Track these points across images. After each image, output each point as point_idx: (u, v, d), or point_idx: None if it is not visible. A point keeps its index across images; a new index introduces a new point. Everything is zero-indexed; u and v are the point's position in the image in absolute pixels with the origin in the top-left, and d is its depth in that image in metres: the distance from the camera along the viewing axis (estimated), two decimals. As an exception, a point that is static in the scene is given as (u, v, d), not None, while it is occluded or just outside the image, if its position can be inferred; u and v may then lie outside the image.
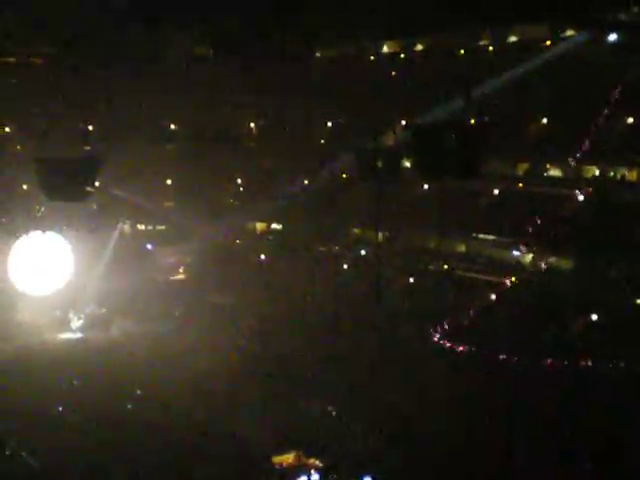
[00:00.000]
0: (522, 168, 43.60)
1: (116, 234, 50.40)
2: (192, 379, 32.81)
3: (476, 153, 18.12)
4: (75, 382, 33.15)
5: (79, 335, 43.45)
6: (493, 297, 40.08)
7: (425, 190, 45.51)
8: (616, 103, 39.01)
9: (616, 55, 38.72)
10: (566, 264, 39.77)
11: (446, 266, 43.13)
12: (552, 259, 40.36)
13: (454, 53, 45.62)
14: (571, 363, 32.69)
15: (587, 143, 39.19)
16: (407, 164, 35.58)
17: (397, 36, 47.97)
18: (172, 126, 53.38)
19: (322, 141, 51.34)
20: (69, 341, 42.44)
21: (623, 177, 39.89)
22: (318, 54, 50.43)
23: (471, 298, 40.56)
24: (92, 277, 47.26)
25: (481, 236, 42.75)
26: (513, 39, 44.15)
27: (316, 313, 41.40)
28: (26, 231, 44.03)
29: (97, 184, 25.46)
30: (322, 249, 47.94)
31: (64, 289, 45.94)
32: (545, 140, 41.39)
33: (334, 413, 29.35)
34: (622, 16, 38.60)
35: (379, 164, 27.59)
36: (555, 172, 42.35)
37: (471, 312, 39.68)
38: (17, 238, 44.27)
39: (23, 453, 26.52)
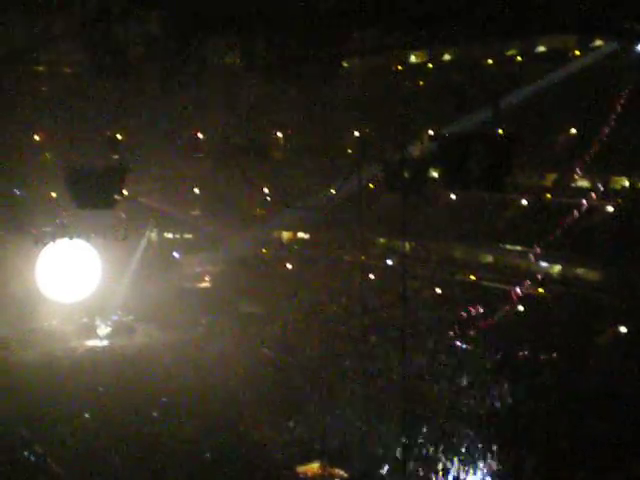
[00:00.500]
0: (550, 179, 43.40)
1: (143, 242, 50.63)
2: (217, 387, 32.82)
3: (503, 164, 18.08)
4: (101, 389, 33.20)
5: (105, 342, 43.63)
6: (521, 308, 39.90)
7: (452, 200, 45.44)
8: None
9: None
10: (594, 275, 39.54)
11: (473, 277, 43.03)
12: (580, 270, 40.15)
13: (482, 63, 45.53)
14: (601, 375, 32.38)
15: (616, 154, 38.96)
16: (434, 174, 35.52)
17: (424, 46, 47.90)
18: (200, 136, 53.54)
19: (349, 151, 51.32)
20: (95, 348, 42.60)
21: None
22: (345, 64, 50.45)
23: (498, 309, 40.44)
24: (119, 285, 47.53)
25: (508, 247, 42.60)
26: (541, 49, 43.99)
27: (342, 323, 41.35)
28: (54, 239, 44.35)
29: (125, 193, 25.61)
30: (349, 259, 47.90)
31: (91, 296, 46.27)
32: (573, 151, 41.19)
33: (359, 424, 29.23)
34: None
35: (406, 174, 27.58)
36: (583, 183, 42.10)
37: (497, 322, 39.57)
38: (45, 245, 44.61)
39: (48, 459, 26.61)
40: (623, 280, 36.84)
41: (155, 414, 30.59)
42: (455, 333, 39.54)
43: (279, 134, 55.03)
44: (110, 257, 46.93)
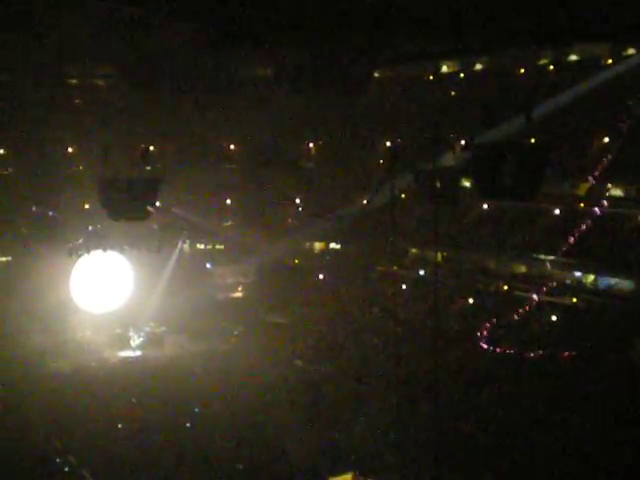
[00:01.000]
0: (583, 188, 43.10)
1: (176, 253, 50.83)
2: (249, 398, 32.85)
3: (536, 173, 17.99)
4: (134, 399, 33.33)
5: (138, 353, 43.78)
6: (554, 318, 39.66)
7: (484, 210, 45.29)
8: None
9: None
10: (628, 285, 39.22)
11: (506, 287, 42.83)
12: (613, 280, 39.85)
13: (514, 72, 45.42)
14: (636, 386, 32.07)
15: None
16: (466, 184, 35.38)
17: (456, 56, 47.88)
18: (232, 146, 53.76)
19: (381, 161, 51.33)
20: (128, 359, 42.76)
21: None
22: (377, 74, 50.44)
23: (531, 318, 40.24)
24: (152, 295, 47.72)
25: (541, 256, 42.35)
26: (574, 58, 43.80)
27: (374, 333, 41.27)
28: (88, 250, 44.70)
29: (158, 204, 25.74)
30: (380, 269, 47.85)
31: (124, 307, 46.50)
32: (606, 159, 40.91)
33: (392, 433, 29.12)
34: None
35: (438, 184, 27.47)
36: (616, 192, 41.81)
37: (532, 332, 39.36)
38: (79, 257, 44.96)
39: (82, 470, 26.73)
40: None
41: (187, 424, 30.66)
42: (487, 343, 39.40)
43: (311, 145, 55.13)
44: (143, 268, 47.18)
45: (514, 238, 43.00)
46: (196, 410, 32.12)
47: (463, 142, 41.25)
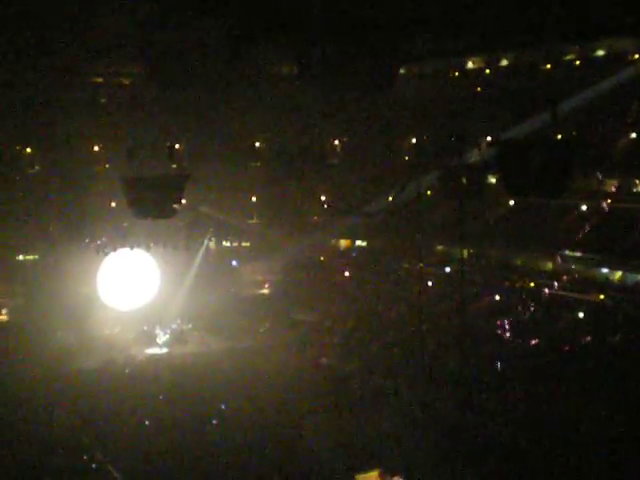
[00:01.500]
0: (610, 184, 42.84)
1: (202, 251, 50.95)
2: (275, 395, 32.85)
3: (563, 170, 17.88)
4: (160, 396, 33.44)
5: (165, 350, 43.94)
6: (581, 315, 39.43)
7: (511, 206, 45.12)
8: None
9: None
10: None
11: (533, 284, 42.65)
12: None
13: (540, 68, 45.16)
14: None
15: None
16: (492, 180, 35.31)
17: (482, 52, 47.65)
18: (257, 144, 53.81)
19: (406, 158, 51.24)
20: (155, 356, 42.91)
21: None
22: (402, 71, 50.33)
23: (558, 316, 40.03)
24: (178, 293, 47.89)
25: (568, 253, 42.12)
26: (600, 53, 43.50)
27: (400, 330, 41.20)
28: (114, 248, 44.95)
29: (183, 202, 25.79)
30: (406, 266, 47.75)
31: (151, 305, 46.70)
32: (634, 155, 40.63)
33: (418, 431, 29.06)
34: None
35: (464, 181, 27.41)
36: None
37: (558, 330, 39.16)
38: (106, 255, 45.21)
39: (109, 466, 26.85)
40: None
41: (214, 421, 30.73)
42: (514, 339, 39.28)
43: (336, 142, 55.09)
44: (169, 266, 47.38)
45: (541, 234, 42.80)
46: (222, 407, 32.18)
47: (489, 138, 41.15)
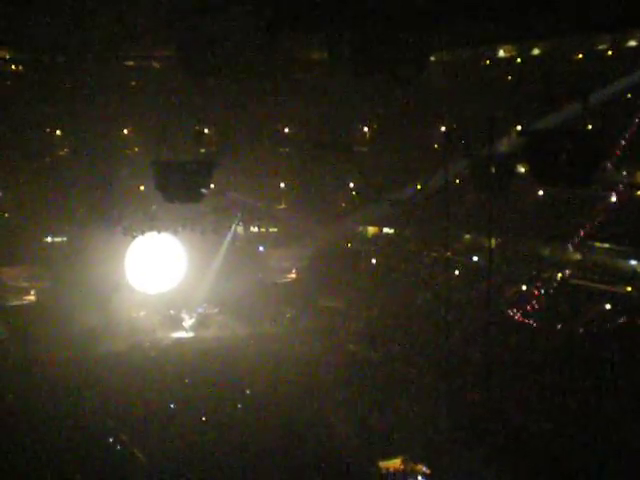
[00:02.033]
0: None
1: (229, 236, 51.04)
2: (300, 381, 32.94)
3: (593, 160, 17.77)
4: (186, 380, 33.60)
5: (191, 334, 44.15)
6: (608, 306, 39.21)
7: (540, 196, 44.88)
8: None
9: None
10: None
11: (560, 274, 42.46)
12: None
13: (571, 58, 44.80)
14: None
15: None
16: (522, 170, 35.05)
17: (513, 41, 47.30)
18: (286, 130, 53.76)
19: (435, 146, 51.02)
20: (181, 340, 43.14)
21: None
22: (433, 58, 50.10)
23: (586, 307, 39.83)
24: (205, 277, 48.05)
25: (597, 244, 41.89)
26: (632, 44, 43.08)
27: (426, 319, 41.14)
28: (142, 232, 45.12)
29: (212, 186, 25.81)
30: (434, 254, 47.63)
31: (178, 288, 46.90)
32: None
33: (443, 419, 29.06)
34: None
35: (493, 170, 27.25)
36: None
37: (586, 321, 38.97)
38: (134, 238, 45.39)
39: (134, 448, 27.04)
40: None
41: (239, 406, 30.86)
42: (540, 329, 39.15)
43: (365, 129, 54.94)
44: (197, 250, 47.51)
45: (569, 225, 42.57)
46: (248, 392, 32.30)
47: (519, 128, 40.92)
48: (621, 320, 37.41)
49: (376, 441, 27.51)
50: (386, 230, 54.86)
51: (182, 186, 23.89)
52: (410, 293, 45.63)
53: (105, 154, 46.96)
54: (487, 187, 28.92)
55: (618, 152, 38.46)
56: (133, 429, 28.43)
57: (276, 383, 32.66)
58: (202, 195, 24.02)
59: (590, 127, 20.09)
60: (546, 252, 44.52)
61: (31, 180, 46.42)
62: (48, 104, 44.72)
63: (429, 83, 46.69)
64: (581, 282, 41.40)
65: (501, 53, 49.84)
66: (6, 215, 47.62)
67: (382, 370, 35.01)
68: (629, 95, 40.06)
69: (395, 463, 26.05)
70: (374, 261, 51.90)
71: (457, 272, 45.16)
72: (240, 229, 53.27)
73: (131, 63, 47.77)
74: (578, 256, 43.55)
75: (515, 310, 41.03)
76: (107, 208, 45.88)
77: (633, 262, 40.51)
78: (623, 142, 39.04)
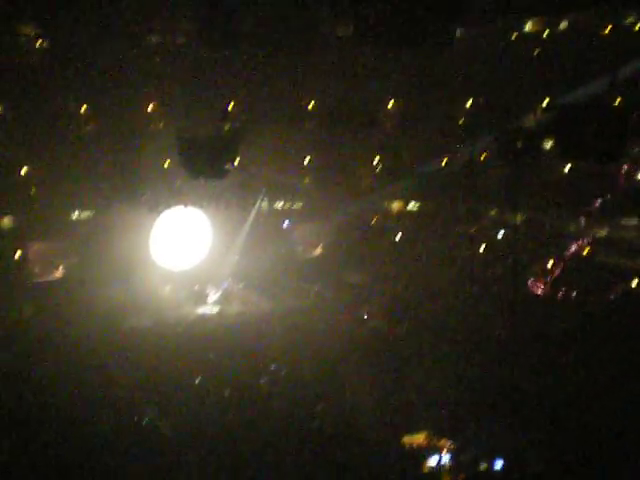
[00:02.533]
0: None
1: (254, 211, 51.02)
2: (325, 356, 33.01)
3: (620, 135, 17.64)
4: (211, 355, 33.71)
5: (216, 309, 44.24)
6: (634, 283, 39.04)
7: (566, 173, 44.59)
8: None
9: None
10: None
11: (586, 250, 42.26)
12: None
13: (599, 32, 44.32)
14: None
15: None
16: (547, 146, 34.86)
17: (541, 13, 46.83)
18: (311, 105, 53.55)
19: (460, 121, 50.69)
20: (206, 315, 43.25)
21: None
22: (459, 33, 49.68)
23: (612, 284, 39.65)
24: (230, 253, 48.11)
25: (623, 220, 41.63)
26: (662, 16, 42.60)
27: (451, 294, 41.10)
28: (168, 207, 45.19)
29: (237, 162, 25.83)
30: (458, 230, 47.49)
31: (202, 264, 47.00)
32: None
33: (466, 394, 29.06)
34: None
35: (519, 145, 27.13)
36: None
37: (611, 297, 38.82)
38: (159, 213, 45.48)
39: (159, 423, 27.22)
40: None
41: (263, 381, 30.96)
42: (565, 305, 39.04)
43: (390, 103, 54.64)
44: (222, 225, 47.54)
45: (595, 201, 42.32)
46: (273, 367, 32.41)
47: (546, 102, 40.60)
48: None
49: (400, 415, 27.57)
50: (411, 205, 54.68)
51: (207, 162, 23.95)
52: (435, 268, 45.53)
53: (130, 130, 47.00)
54: (513, 162, 28.81)
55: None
56: (158, 404, 28.61)
57: (300, 359, 32.74)
58: (227, 171, 24.07)
59: (618, 102, 19.87)
60: (572, 228, 44.29)
61: (57, 156, 46.47)
62: (73, 80, 44.72)
63: (455, 57, 46.45)
64: (607, 259, 41.20)
65: (528, 27, 49.38)
66: (32, 191, 47.75)
67: (406, 345, 35.01)
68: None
69: (419, 437, 26.11)
70: (399, 236, 51.78)
71: (482, 248, 45.07)
72: (265, 204, 53.22)
73: (155, 38, 47.66)
74: (604, 232, 43.33)
75: (541, 286, 40.89)
76: (133, 183, 45.97)
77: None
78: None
